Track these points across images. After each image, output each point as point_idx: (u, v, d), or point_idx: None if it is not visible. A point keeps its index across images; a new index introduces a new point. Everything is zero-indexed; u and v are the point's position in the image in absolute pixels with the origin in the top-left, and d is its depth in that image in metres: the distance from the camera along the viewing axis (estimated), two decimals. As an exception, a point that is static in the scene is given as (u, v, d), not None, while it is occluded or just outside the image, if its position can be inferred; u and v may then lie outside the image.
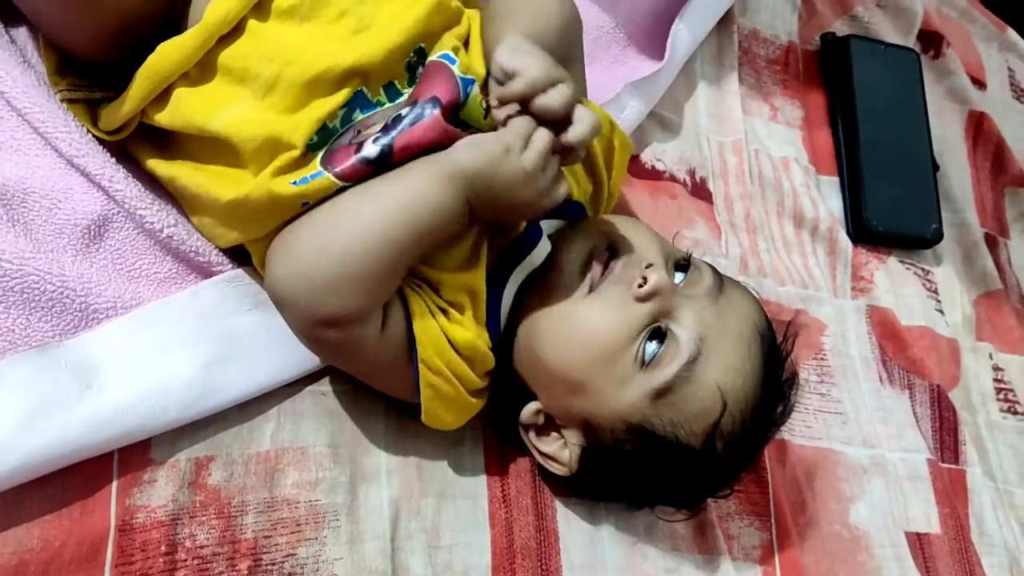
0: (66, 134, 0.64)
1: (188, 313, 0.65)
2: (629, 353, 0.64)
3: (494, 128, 0.63)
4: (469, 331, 0.64)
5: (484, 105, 0.64)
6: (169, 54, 0.62)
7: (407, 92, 0.64)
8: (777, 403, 0.70)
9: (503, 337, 0.68)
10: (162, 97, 0.64)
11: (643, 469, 0.67)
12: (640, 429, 0.65)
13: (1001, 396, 1.10)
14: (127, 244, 0.66)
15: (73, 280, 0.62)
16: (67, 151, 0.64)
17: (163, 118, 0.64)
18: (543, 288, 0.67)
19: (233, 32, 0.63)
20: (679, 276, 0.68)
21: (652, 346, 0.64)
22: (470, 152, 0.59)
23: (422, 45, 0.65)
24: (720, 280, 0.69)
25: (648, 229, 0.71)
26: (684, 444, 0.65)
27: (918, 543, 0.90)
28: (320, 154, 0.61)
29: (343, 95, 0.62)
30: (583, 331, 0.65)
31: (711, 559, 0.77)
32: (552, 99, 0.59)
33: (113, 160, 0.65)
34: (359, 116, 0.63)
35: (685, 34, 0.98)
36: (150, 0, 0.64)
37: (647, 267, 0.65)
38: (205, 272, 0.68)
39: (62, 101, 0.67)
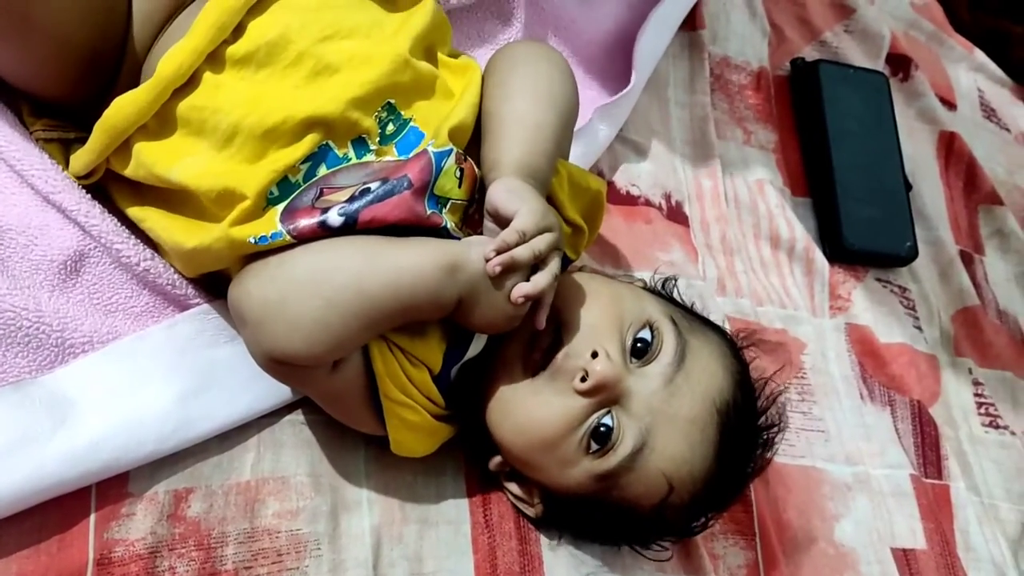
0: (42, 172, 0.65)
1: (165, 346, 0.65)
2: (571, 441, 0.64)
3: (468, 196, 0.64)
4: (425, 374, 0.64)
5: (457, 174, 0.63)
6: (123, 108, 0.62)
7: (375, 149, 0.63)
8: (742, 469, 0.70)
9: (473, 388, 0.67)
10: (123, 149, 0.64)
11: (603, 526, 0.70)
12: (589, 500, 0.66)
13: (983, 411, 1.11)
14: (104, 279, 0.66)
15: (49, 316, 0.62)
16: (43, 188, 0.65)
17: (127, 170, 0.64)
18: (490, 367, 0.66)
19: (188, 84, 0.62)
20: (639, 345, 0.65)
21: (598, 432, 0.63)
22: (479, 254, 0.60)
23: (391, 101, 0.64)
24: (683, 348, 0.65)
25: (611, 295, 0.67)
26: (635, 513, 0.66)
27: (904, 559, 0.90)
28: (280, 208, 0.60)
29: (304, 147, 0.61)
30: (522, 419, 0.65)
31: (697, 580, 0.77)
32: (536, 248, 0.60)
33: (88, 196, 0.66)
34: (323, 171, 0.62)
35: (647, 53, 0.99)
36: (85, 25, 0.62)
37: (593, 355, 0.63)
38: (182, 305, 0.68)
39: (37, 141, 0.67)
